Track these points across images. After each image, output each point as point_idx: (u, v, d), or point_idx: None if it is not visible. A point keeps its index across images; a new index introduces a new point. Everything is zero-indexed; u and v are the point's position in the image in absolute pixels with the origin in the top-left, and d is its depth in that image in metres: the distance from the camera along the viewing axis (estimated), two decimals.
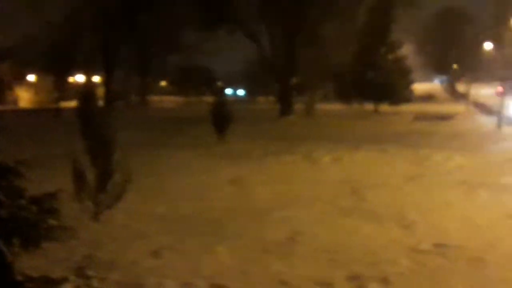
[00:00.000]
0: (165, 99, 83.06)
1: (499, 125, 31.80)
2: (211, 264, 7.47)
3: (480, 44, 58.47)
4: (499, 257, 7.83)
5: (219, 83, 70.27)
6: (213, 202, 11.61)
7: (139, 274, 7.01)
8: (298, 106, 48.66)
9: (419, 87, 78.47)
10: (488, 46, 51.50)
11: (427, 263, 7.56)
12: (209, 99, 33.50)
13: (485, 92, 77.67)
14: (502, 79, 36.15)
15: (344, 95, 56.19)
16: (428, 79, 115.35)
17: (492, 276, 7.11)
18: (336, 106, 55.57)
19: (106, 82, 60.72)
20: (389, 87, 51.77)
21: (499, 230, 9.44)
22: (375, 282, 6.80)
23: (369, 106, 54.33)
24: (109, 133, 9.45)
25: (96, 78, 61.42)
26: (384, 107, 53.25)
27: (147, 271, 7.15)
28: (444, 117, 39.98)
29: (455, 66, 72.68)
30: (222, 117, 23.92)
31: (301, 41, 46.00)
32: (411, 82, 57.08)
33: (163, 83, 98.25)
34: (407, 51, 61.73)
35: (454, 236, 8.95)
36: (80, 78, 60.57)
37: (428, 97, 75.78)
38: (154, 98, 78.27)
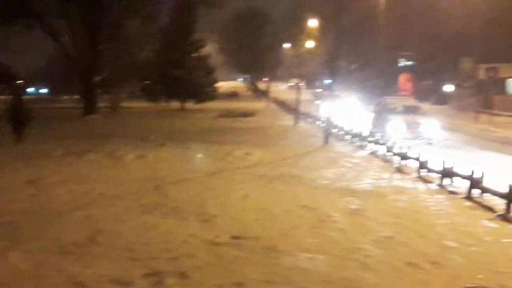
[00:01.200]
0: None
1: (296, 122, 33.73)
2: (1, 272, 7.07)
3: (279, 44, 61.57)
4: (291, 246, 8.32)
5: (19, 82, 66.41)
6: (8, 205, 10.96)
7: None
8: (103, 104, 47.61)
9: (223, 85, 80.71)
10: (286, 46, 54.42)
11: (224, 255, 7.82)
12: (7, 98, 31.56)
13: (282, 88, 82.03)
14: (297, 77, 38.36)
15: (150, 93, 56.04)
16: (232, 77, 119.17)
17: (284, 263, 7.53)
18: (142, 104, 55.24)
19: None
20: (194, 85, 52.57)
21: (293, 219, 10.02)
22: (173, 277, 6.90)
23: (175, 104, 54.72)
24: None
25: None
26: (190, 105, 53.97)
27: None
28: (246, 114, 41.47)
29: (255, 67, 75.74)
30: (19, 117, 22.69)
31: (104, 37, 44.98)
32: (215, 80, 58.47)
33: None
34: (211, 50, 63.14)
35: (251, 227, 9.35)
36: None
37: (232, 95, 78.12)
38: None
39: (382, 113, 26.26)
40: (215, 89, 58.16)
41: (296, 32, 32.77)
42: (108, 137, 24.01)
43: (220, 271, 7.17)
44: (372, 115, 27.33)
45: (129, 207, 10.86)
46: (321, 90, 52.81)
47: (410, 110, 27.06)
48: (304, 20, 33.41)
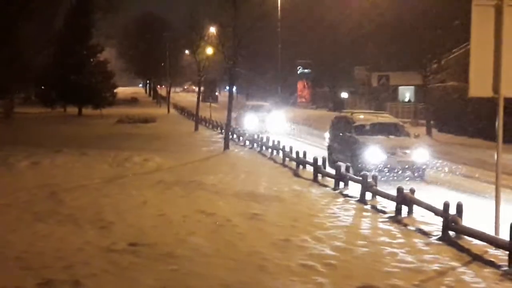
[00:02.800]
0: None
1: (196, 128, 33.72)
2: None
3: (179, 50, 61.26)
4: (189, 251, 8.31)
5: None
6: None
7: None
8: None
9: (123, 90, 79.35)
10: (186, 52, 54.27)
11: (120, 262, 7.71)
12: None
13: (183, 94, 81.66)
14: (197, 83, 38.37)
15: (46, 99, 54.26)
16: (132, 83, 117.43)
17: (181, 269, 7.51)
18: (38, 110, 53.33)
19: None
20: (92, 91, 51.33)
21: (191, 225, 10.02)
22: (66, 286, 6.73)
23: (73, 110, 53.26)
24: None
25: None
26: (88, 111, 52.69)
27: None
28: (146, 120, 40.99)
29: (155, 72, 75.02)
30: None
31: None
32: (115, 85, 57.42)
33: None
34: (109, 55, 61.94)
35: (149, 234, 9.27)
36: None
37: (132, 101, 76.97)
38: None
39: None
40: (114, 95, 57.09)
41: (196, 39, 32.82)
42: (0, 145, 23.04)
43: (115, 279, 7.06)
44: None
45: (21, 216, 10.50)
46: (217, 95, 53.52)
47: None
48: (203, 27, 33.56)
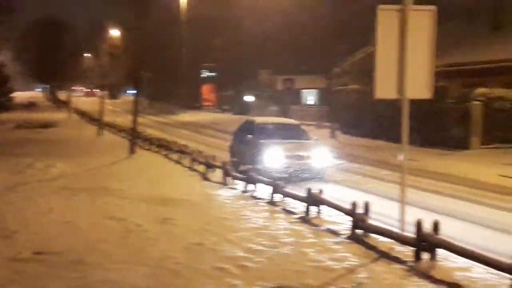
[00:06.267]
0: None
1: (99, 133, 32.94)
2: None
3: (80, 54, 59.73)
4: (99, 258, 8.09)
5: None
6: None
7: None
8: None
9: (21, 95, 76.45)
10: (87, 55, 53.00)
11: (26, 271, 7.39)
12: None
13: (85, 99, 79.76)
14: (100, 87, 37.42)
15: None
16: (30, 87, 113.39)
17: (92, 277, 7.30)
18: None
19: None
20: None
21: (100, 231, 9.77)
22: None
23: None
24: None
25: None
26: None
27: None
28: (47, 125, 39.66)
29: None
30: None
31: None
32: (11, 90, 55.28)
33: None
34: (5, 58, 59.54)
35: (55, 242, 8.95)
36: None
37: (30, 105, 74.24)
38: None
39: None
40: (10, 99, 54.95)
41: (98, 42, 32.07)
42: None
43: None
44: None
45: None
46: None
47: None
48: (106, 30, 32.88)
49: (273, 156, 16.84)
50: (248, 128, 19.24)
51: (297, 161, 16.91)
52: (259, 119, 19.47)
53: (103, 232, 9.74)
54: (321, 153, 17.45)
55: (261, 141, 17.60)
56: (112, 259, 8.12)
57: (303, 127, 20.30)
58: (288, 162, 16.79)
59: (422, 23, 8.95)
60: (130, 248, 8.74)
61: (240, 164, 16.84)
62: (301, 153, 17.11)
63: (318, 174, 16.90)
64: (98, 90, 40.43)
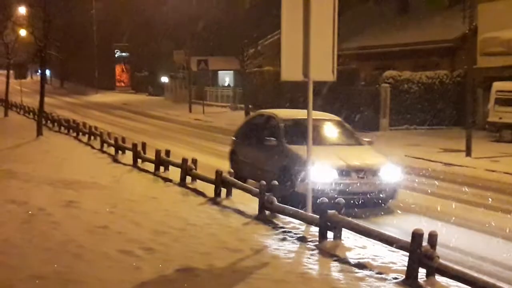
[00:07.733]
0: None
1: (5, 114, 31.70)
2: None
3: None
4: None
5: None
6: None
7: None
8: None
9: None
10: None
11: None
12: None
13: None
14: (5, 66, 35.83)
15: None
16: None
17: None
18: None
19: None
20: None
21: (0, 215, 9.42)
22: None
23: None
24: None
25: None
26: None
27: None
28: None
29: None
30: None
31: None
32: None
33: None
34: None
35: None
36: None
37: None
38: None
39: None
40: None
41: (3, 19, 30.67)
42: None
43: None
44: None
45: None
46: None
47: None
48: (11, 7, 31.44)
49: (321, 172, 10.71)
50: (265, 126, 13.23)
51: (357, 177, 11.16)
52: (282, 114, 13.37)
53: (3, 216, 9.40)
54: (387, 164, 11.66)
55: (292, 146, 11.74)
56: (12, 243, 7.88)
57: (215, 108, 20.29)
58: (343, 180, 11.02)
59: (325, 6, 9.05)
60: (32, 232, 8.47)
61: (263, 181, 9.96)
62: (360, 165, 11.37)
63: (388, 196, 11.50)
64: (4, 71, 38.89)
